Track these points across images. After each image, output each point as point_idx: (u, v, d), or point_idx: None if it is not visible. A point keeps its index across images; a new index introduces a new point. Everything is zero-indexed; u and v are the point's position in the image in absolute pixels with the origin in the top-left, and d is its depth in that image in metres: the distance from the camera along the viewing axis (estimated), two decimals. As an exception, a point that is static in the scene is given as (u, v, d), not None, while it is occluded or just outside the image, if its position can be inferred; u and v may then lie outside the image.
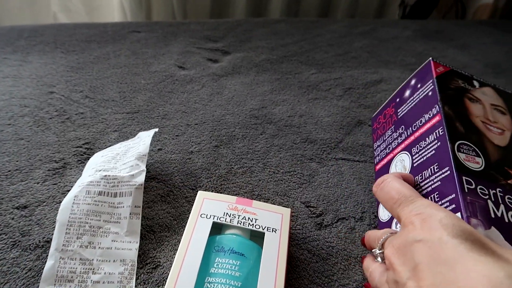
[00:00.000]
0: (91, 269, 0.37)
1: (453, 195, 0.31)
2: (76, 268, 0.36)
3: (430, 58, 0.42)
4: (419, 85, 0.43)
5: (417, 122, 0.40)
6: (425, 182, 0.35)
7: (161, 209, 0.44)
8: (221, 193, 0.47)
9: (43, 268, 0.36)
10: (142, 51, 0.77)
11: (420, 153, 0.38)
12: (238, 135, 0.56)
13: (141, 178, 0.43)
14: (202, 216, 0.40)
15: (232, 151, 0.53)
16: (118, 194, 0.42)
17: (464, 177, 0.32)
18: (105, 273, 0.37)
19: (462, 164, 0.32)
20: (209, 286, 0.34)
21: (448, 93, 0.38)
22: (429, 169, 0.35)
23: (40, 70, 0.68)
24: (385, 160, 0.44)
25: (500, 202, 0.31)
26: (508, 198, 0.32)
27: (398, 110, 0.46)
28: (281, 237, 0.39)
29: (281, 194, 0.48)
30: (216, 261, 0.36)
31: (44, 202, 0.43)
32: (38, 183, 0.45)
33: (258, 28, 0.93)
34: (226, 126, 0.58)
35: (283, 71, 0.75)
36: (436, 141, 0.36)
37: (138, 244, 0.40)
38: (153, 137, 0.54)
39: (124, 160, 0.45)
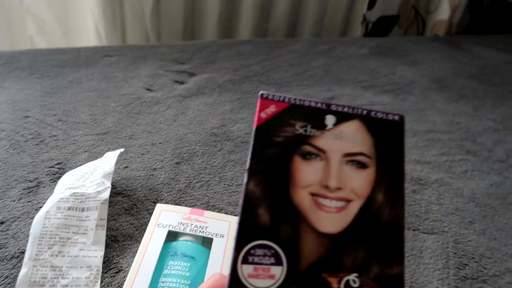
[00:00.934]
0: (60, 274, 0.42)
1: None
2: (47, 274, 0.42)
3: (260, 93, 0.28)
4: None
5: None
6: None
7: (125, 221, 0.50)
8: (180, 205, 0.53)
9: (18, 276, 0.42)
10: (113, 75, 0.83)
11: None
12: (198, 152, 0.63)
13: (106, 194, 0.49)
14: (159, 225, 0.46)
15: (192, 167, 0.60)
16: (86, 209, 0.47)
17: None
18: (73, 278, 0.42)
19: (242, 286, 0.23)
20: (162, 285, 0.40)
21: (268, 153, 0.26)
22: None
23: (16, 96, 0.73)
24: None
25: None
26: None
27: None
28: (227, 242, 0.45)
29: (233, 204, 0.54)
30: (169, 264, 0.42)
31: (19, 218, 0.49)
32: (14, 201, 0.51)
33: (224, 50, 1.00)
34: (187, 144, 0.64)
35: (244, 91, 0.82)
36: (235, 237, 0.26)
37: (103, 252, 0.45)
38: (120, 156, 0.60)
39: (91, 178, 0.51)
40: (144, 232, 0.49)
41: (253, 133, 0.27)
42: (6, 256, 0.44)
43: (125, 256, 0.46)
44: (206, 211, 0.49)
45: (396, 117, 0.27)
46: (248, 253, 0.23)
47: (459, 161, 0.68)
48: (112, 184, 0.53)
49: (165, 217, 0.47)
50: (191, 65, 0.90)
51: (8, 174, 0.55)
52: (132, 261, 0.45)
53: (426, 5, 1.61)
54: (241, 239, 0.23)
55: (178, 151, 0.62)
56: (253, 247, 0.23)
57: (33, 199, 0.51)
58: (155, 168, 0.59)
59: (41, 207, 0.50)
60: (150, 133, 0.66)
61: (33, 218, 0.49)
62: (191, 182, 0.57)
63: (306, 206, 0.24)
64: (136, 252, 0.46)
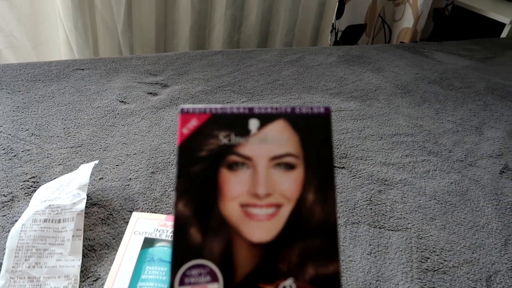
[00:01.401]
0: (38, 285, 0.43)
1: None
2: (25, 286, 0.43)
3: (180, 108, 0.28)
4: None
5: None
6: None
7: (101, 231, 0.51)
8: (155, 213, 0.55)
9: (-5, 288, 0.42)
10: (85, 88, 0.84)
11: None
12: (173, 161, 0.64)
13: (82, 205, 0.50)
14: (136, 233, 0.48)
15: (166, 176, 0.61)
16: (62, 220, 0.48)
17: None
18: (50, 288, 0.43)
19: None
20: (139, 290, 0.42)
21: (194, 170, 0.26)
22: None
23: (-13, 111, 0.73)
24: None
25: None
26: None
27: None
28: (202, 246, 0.47)
29: (208, 210, 0.56)
30: (147, 269, 0.44)
31: (-5, 232, 0.49)
32: (-12, 215, 0.51)
33: (196, 61, 1.02)
34: (162, 154, 0.66)
35: (217, 101, 0.84)
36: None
37: (80, 262, 0.46)
38: (95, 167, 0.61)
39: (67, 190, 0.52)
40: (121, 240, 0.50)
41: (177, 151, 0.26)
42: (-18, 270, 0.44)
43: (103, 265, 0.47)
44: (181, 218, 0.50)
45: (322, 110, 0.27)
46: (184, 275, 0.23)
47: (421, 161, 0.72)
48: (87, 195, 0.54)
49: (141, 224, 0.49)
50: (163, 77, 0.92)
51: (-18, 190, 0.55)
52: (109, 269, 0.46)
53: (391, 14, 1.69)
54: (176, 261, 0.24)
55: (153, 161, 0.64)
56: (189, 268, 0.23)
57: (8, 213, 0.52)
58: (130, 178, 0.60)
59: (16, 221, 0.50)
60: (124, 144, 0.67)
61: (8, 231, 0.49)
62: (166, 190, 0.58)
63: (237, 218, 0.24)
64: (113, 260, 0.47)
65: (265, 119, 0.26)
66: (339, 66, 1.09)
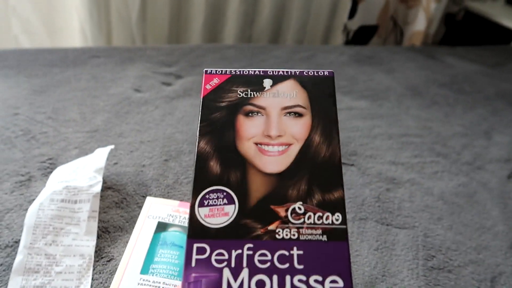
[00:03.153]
0: (54, 262, 0.44)
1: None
2: (42, 262, 0.44)
3: (204, 70, 0.32)
4: None
5: None
6: None
7: (115, 214, 0.52)
8: (167, 199, 0.56)
9: (13, 263, 0.43)
10: (101, 75, 0.85)
11: None
12: (186, 151, 0.65)
13: (98, 188, 0.51)
14: (149, 217, 0.49)
15: (179, 164, 0.62)
16: (78, 201, 0.50)
17: (196, 245, 0.25)
18: (66, 266, 0.44)
19: (200, 226, 0.26)
20: (153, 271, 0.43)
21: (215, 116, 0.29)
22: None
23: (4, 94, 0.74)
24: None
25: (244, 265, 0.25)
26: (260, 255, 0.25)
27: None
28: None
29: (219, 199, 0.57)
30: (159, 252, 0.45)
31: (12, 209, 0.50)
32: (6, 193, 0.52)
33: (209, 54, 1.03)
34: (175, 142, 0.67)
35: (229, 94, 0.85)
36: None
37: (94, 242, 0.47)
38: (109, 153, 0.62)
39: (83, 172, 0.53)
40: (134, 224, 0.51)
41: (200, 103, 0.30)
42: (0, 245, 0.46)
43: (116, 246, 0.48)
44: (194, 205, 0.51)
45: (327, 73, 0.31)
46: (203, 198, 0.27)
47: (430, 162, 0.73)
48: (102, 179, 0.55)
49: (154, 209, 0.50)
50: (177, 68, 0.93)
51: (0, 169, 0.56)
52: (123, 251, 0.48)
53: (404, 16, 1.69)
54: (196, 187, 0.27)
55: (166, 149, 0.65)
56: (207, 193, 0.27)
57: (25, 192, 0.53)
58: (144, 165, 0.61)
59: (33, 200, 0.52)
60: (139, 132, 0.68)
61: (25, 210, 0.50)
62: (178, 178, 0.60)
63: (252, 153, 0.28)
64: (126, 243, 0.49)
65: (277, 79, 0.31)
66: (350, 65, 1.10)
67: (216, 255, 0.25)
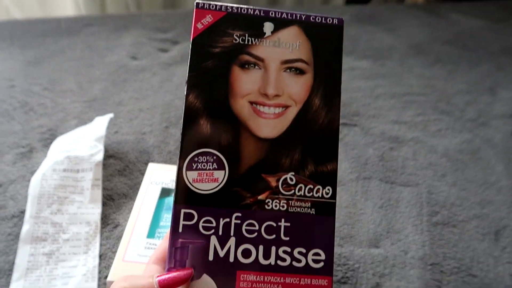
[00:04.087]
0: (61, 230, 0.44)
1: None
2: (49, 230, 0.44)
3: (196, 2, 0.27)
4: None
5: None
6: None
7: (119, 181, 0.52)
8: (170, 165, 0.56)
9: (20, 233, 0.44)
10: (96, 44, 0.83)
11: None
12: (186, 117, 0.65)
13: (100, 156, 0.51)
14: (152, 183, 0.49)
15: (180, 130, 0.62)
16: (80, 170, 0.49)
17: (183, 210, 0.24)
18: (73, 233, 0.45)
19: (188, 190, 0.25)
20: (159, 235, 0.43)
21: (206, 65, 0.26)
22: None
23: (-1, 66, 0.73)
24: None
25: (232, 234, 0.24)
26: (248, 224, 0.25)
27: None
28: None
29: (222, 164, 0.57)
30: (164, 217, 0.45)
31: (16, 180, 0.50)
32: (8, 165, 0.52)
33: (206, 18, 1.00)
34: (175, 109, 0.66)
35: (228, 58, 0.83)
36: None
37: (100, 210, 0.48)
38: (109, 121, 0.61)
39: (84, 142, 0.53)
40: (138, 191, 0.51)
41: (190, 46, 0.26)
42: (7, 216, 0.46)
43: (121, 213, 0.48)
44: (196, 170, 0.51)
45: (336, 21, 0.27)
46: (191, 161, 0.25)
47: (433, 120, 0.72)
48: (104, 147, 0.54)
49: (157, 175, 0.50)
50: (173, 34, 0.91)
51: (0, 141, 0.56)
52: (128, 217, 0.48)
53: (405, -28, 1.62)
54: (184, 148, 0.25)
55: (166, 116, 0.64)
56: (196, 155, 0.25)
57: (27, 163, 0.53)
58: (144, 132, 0.61)
59: (35, 171, 0.51)
60: (137, 99, 0.67)
61: (28, 180, 0.50)
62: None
63: (246, 114, 0.26)
64: (131, 209, 0.49)
65: (280, 23, 0.27)
66: (351, 25, 1.07)
67: (204, 222, 0.24)
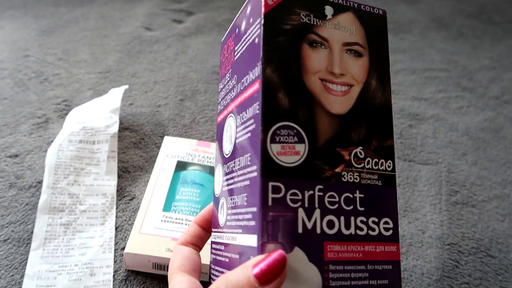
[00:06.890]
0: (78, 201, 0.45)
1: (255, 209, 0.24)
2: (66, 201, 0.44)
3: None
4: (250, 20, 0.29)
5: (244, 79, 0.29)
6: (240, 172, 0.27)
7: (134, 154, 0.52)
8: (185, 138, 0.55)
9: (38, 203, 0.44)
10: (109, 14, 0.81)
11: (243, 126, 0.28)
12: (201, 90, 0.64)
13: (115, 128, 0.50)
14: (168, 156, 0.48)
15: (195, 103, 0.61)
16: (96, 142, 0.49)
17: (271, 183, 0.24)
18: (90, 204, 0.45)
19: (273, 163, 0.25)
20: (175, 209, 0.43)
21: (279, 41, 0.27)
22: (244, 157, 0.27)
23: (13, 35, 0.72)
24: (222, 116, 0.33)
25: (316, 206, 0.25)
26: (329, 196, 0.25)
27: (236, 48, 0.32)
28: (234, 171, 0.48)
29: (237, 138, 0.56)
30: (180, 190, 0.45)
31: (32, 151, 0.50)
32: (25, 135, 0.52)
33: (221, -12, 0.97)
34: (190, 82, 0.65)
35: (243, 30, 0.81)
36: (252, 120, 0.26)
37: (116, 181, 0.48)
38: (124, 93, 0.61)
39: (99, 113, 0.52)
40: (154, 164, 0.51)
41: (262, 20, 0.26)
42: (24, 185, 0.46)
43: (137, 185, 0.48)
44: (212, 143, 0.51)
45: (381, 12, 0.30)
46: (274, 134, 0.25)
47: (455, 97, 0.70)
48: (119, 119, 0.54)
49: (173, 148, 0.49)
50: (188, 4, 0.89)
51: (16, 111, 0.56)
52: (144, 190, 0.48)
53: None
54: (267, 120, 0.25)
55: (181, 89, 0.63)
56: (278, 128, 0.25)
57: (44, 134, 0.53)
58: (159, 105, 0.60)
59: (52, 141, 0.51)
60: (152, 71, 0.66)
61: (45, 151, 0.50)
62: (195, 117, 0.58)
63: (318, 90, 0.27)
64: (147, 182, 0.49)
65: (338, 8, 0.29)
66: (371, -3, 1.03)
67: (291, 194, 0.25)
